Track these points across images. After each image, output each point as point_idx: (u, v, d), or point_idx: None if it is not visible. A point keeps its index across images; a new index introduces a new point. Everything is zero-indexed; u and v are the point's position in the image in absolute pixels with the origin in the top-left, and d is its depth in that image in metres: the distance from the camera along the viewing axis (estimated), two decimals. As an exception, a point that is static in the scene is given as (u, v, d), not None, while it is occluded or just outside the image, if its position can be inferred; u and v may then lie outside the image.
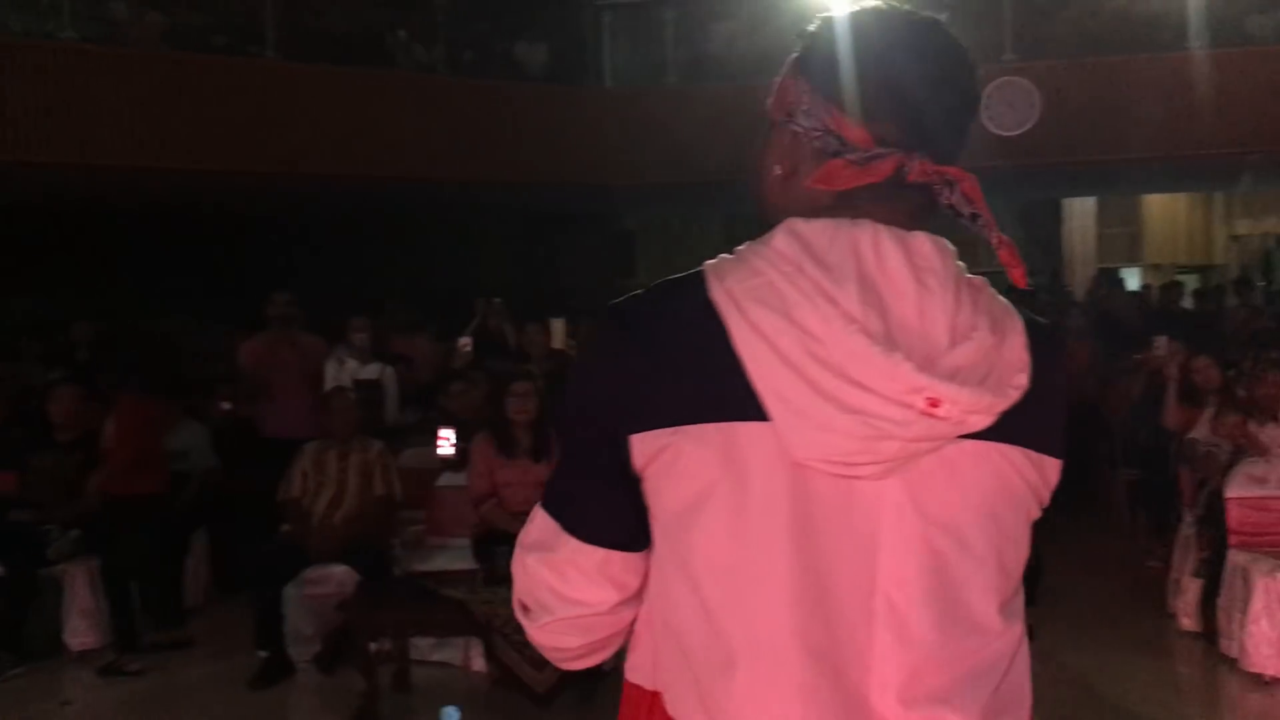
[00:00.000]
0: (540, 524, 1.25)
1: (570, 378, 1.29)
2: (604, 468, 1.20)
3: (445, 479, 6.17)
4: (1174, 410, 6.52)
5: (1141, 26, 11.27)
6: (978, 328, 1.15)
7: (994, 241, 1.19)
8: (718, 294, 1.15)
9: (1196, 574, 5.80)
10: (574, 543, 1.21)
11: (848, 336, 1.10)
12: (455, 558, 5.69)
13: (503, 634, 4.59)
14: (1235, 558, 5.37)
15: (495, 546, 4.97)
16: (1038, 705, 1.26)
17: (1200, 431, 6.11)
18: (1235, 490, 5.50)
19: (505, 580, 4.70)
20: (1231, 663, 5.27)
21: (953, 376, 1.11)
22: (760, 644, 1.13)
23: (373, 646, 4.93)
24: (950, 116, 1.22)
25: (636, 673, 1.27)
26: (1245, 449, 5.81)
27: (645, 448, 1.16)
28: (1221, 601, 5.42)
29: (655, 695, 1.23)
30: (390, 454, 6.08)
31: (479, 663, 5.44)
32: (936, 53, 1.21)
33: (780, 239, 1.17)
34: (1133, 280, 15.70)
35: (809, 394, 1.10)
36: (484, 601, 4.65)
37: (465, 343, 7.22)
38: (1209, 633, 5.60)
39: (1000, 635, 1.18)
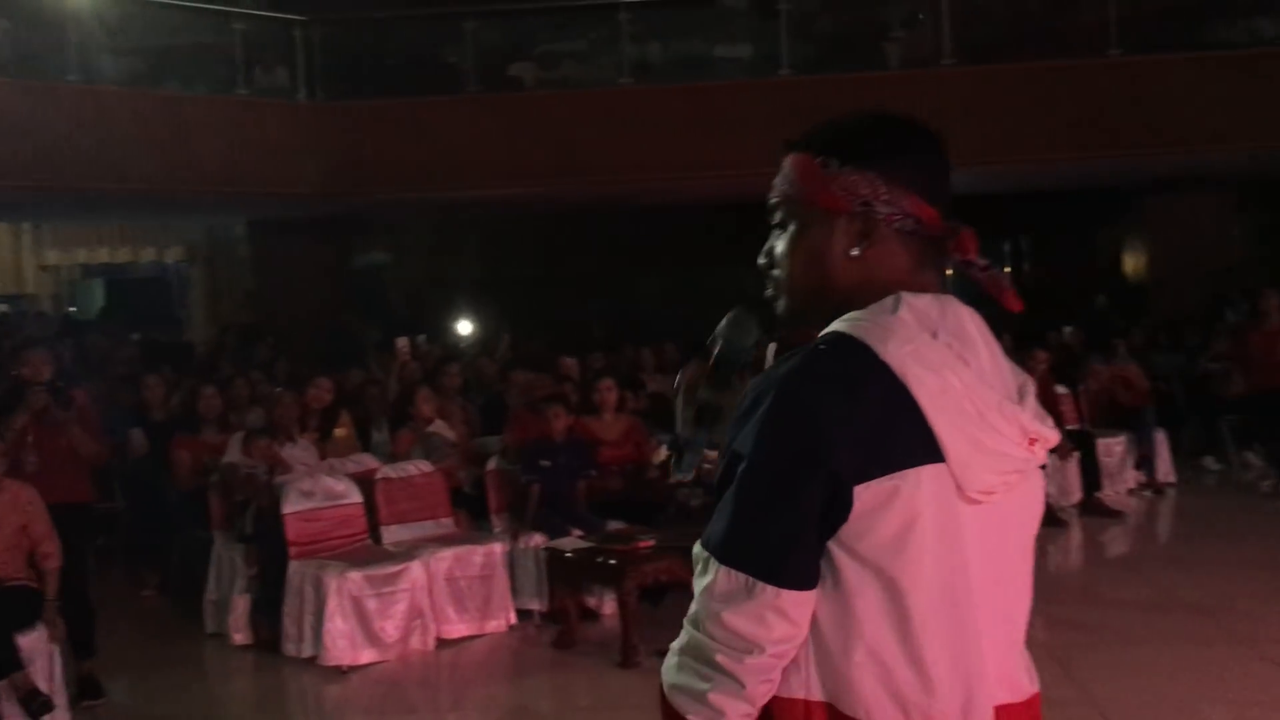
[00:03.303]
0: (725, 578, 1.38)
1: (776, 446, 1.38)
2: (816, 517, 1.37)
3: None
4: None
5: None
6: (1027, 380, 1.50)
7: (989, 281, 1.51)
8: (889, 358, 1.38)
9: (246, 590, 6.18)
10: (773, 590, 1.36)
11: (986, 392, 1.41)
12: None
13: None
14: (299, 568, 5.90)
15: None
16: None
17: (234, 455, 6.48)
18: (290, 506, 6.02)
19: None
20: (305, 662, 5.80)
21: (1037, 419, 1.45)
22: (953, 648, 1.39)
23: None
24: (948, 193, 1.53)
25: (794, 690, 1.42)
26: (277, 468, 6.39)
27: (871, 494, 1.36)
28: (288, 609, 5.90)
29: (812, 704, 1.42)
30: None
31: None
32: (941, 144, 1.54)
33: (905, 311, 1.42)
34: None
35: (972, 440, 1.38)
36: None
37: None
38: (267, 641, 6.03)
39: (1026, 612, 1.55)
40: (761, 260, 1.62)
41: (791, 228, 1.56)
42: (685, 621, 1.47)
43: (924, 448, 1.37)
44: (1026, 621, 1.54)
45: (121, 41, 11.72)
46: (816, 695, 1.41)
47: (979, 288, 1.54)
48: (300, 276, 14.32)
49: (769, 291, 1.62)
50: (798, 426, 1.37)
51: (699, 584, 1.43)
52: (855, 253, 1.49)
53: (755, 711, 1.41)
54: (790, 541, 1.37)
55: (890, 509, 1.36)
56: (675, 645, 1.47)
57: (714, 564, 1.40)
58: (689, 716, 1.42)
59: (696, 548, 1.46)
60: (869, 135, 1.53)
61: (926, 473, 1.37)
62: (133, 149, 10.91)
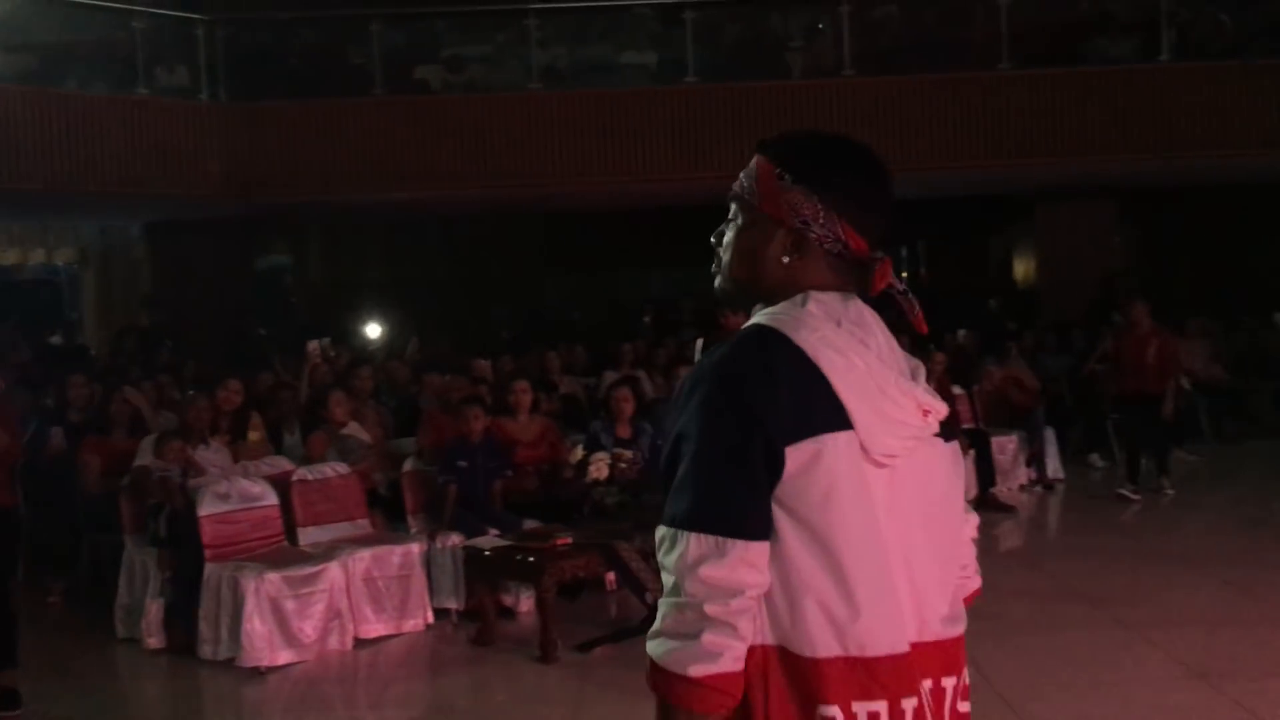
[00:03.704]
0: (697, 543, 1.56)
1: (718, 422, 1.59)
2: (764, 478, 1.57)
3: None
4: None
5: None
6: (918, 364, 1.76)
7: (906, 304, 1.74)
8: (802, 343, 1.61)
9: (160, 594, 6.15)
10: (741, 544, 1.55)
11: (884, 370, 1.65)
12: None
13: None
14: (216, 570, 5.90)
15: None
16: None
17: (146, 458, 6.44)
18: (206, 509, 6.02)
19: None
20: (222, 664, 5.80)
21: (928, 394, 1.70)
22: (876, 586, 1.60)
23: None
24: (886, 226, 1.75)
25: (751, 639, 1.59)
26: (190, 471, 6.38)
27: (799, 455, 1.58)
28: (204, 612, 5.89)
29: (767, 649, 1.60)
30: None
31: None
32: (890, 186, 1.76)
33: (812, 305, 1.66)
34: None
35: (875, 410, 1.62)
36: None
37: None
38: (182, 645, 6.02)
39: (952, 563, 1.76)
40: (712, 239, 1.81)
41: (740, 221, 1.76)
42: (660, 602, 1.62)
43: (836, 417, 1.60)
44: (948, 571, 1.73)
45: (18, 38, 11.46)
46: (770, 641, 1.60)
47: (896, 309, 1.75)
48: (199, 279, 14.10)
49: (713, 268, 1.81)
50: (733, 402, 1.59)
51: (668, 559, 1.59)
52: (786, 260, 1.71)
53: (744, 650, 1.57)
54: (747, 500, 1.57)
55: (816, 471, 1.58)
56: (654, 628, 1.61)
57: (682, 535, 1.57)
58: (689, 669, 1.55)
59: (660, 530, 1.61)
60: (824, 161, 1.73)
61: (842, 438, 1.59)
62: (30, 148, 10.69)
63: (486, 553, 6.02)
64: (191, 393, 6.89)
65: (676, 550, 1.58)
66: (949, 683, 1.69)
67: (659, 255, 17.84)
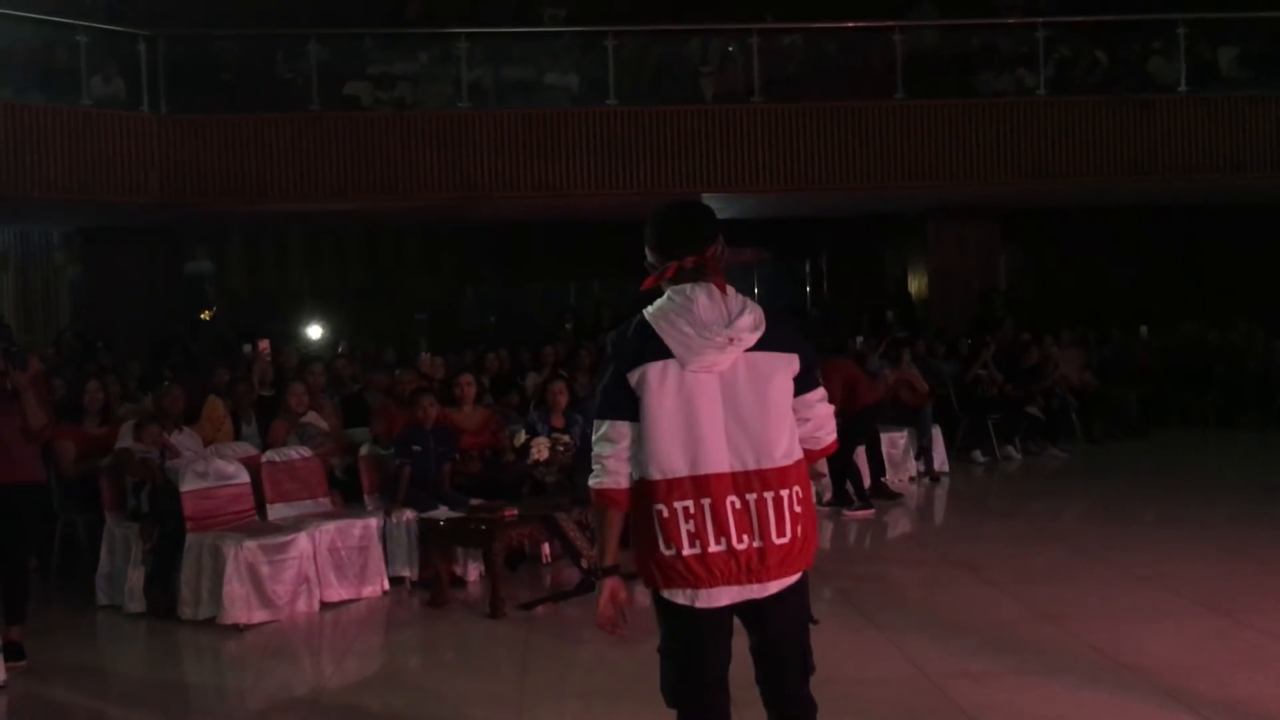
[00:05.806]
0: (597, 423, 2.99)
1: (607, 358, 3.00)
2: (621, 392, 2.95)
3: None
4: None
5: None
6: (745, 312, 2.96)
7: (718, 279, 3.01)
8: (649, 318, 2.99)
9: (142, 563, 6.78)
10: (609, 422, 2.97)
11: (697, 325, 2.93)
12: None
13: None
14: (197, 539, 6.56)
15: None
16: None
17: (126, 441, 7.06)
18: (187, 485, 6.68)
19: None
20: (201, 624, 6.47)
21: (737, 329, 2.91)
22: (673, 441, 2.92)
23: None
24: (693, 242, 3.00)
25: (635, 475, 2.96)
26: (168, 453, 7.02)
27: (639, 374, 2.94)
28: (185, 578, 6.55)
29: (635, 481, 2.95)
30: None
31: None
32: (684, 217, 3.07)
33: (668, 294, 3.02)
34: None
35: (684, 346, 2.92)
36: None
37: None
38: (162, 609, 6.66)
39: (767, 426, 2.91)
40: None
41: None
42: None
43: (662, 353, 2.93)
44: (756, 428, 2.92)
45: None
46: (638, 475, 2.96)
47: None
48: (128, 284, 14.52)
49: None
50: (608, 354, 3.02)
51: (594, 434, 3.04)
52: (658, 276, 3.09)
53: (617, 479, 2.94)
54: (612, 402, 2.97)
55: (651, 378, 2.92)
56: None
57: (596, 420, 3.01)
58: (593, 483, 2.97)
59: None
60: (649, 231, 3.06)
61: (670, 364, 2.92)
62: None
63: (442, 523, 6.78)
64: (167, 383, 7.50)
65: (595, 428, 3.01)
66: (769, 495, 2.89)
67: (575, 267, 18.66)
